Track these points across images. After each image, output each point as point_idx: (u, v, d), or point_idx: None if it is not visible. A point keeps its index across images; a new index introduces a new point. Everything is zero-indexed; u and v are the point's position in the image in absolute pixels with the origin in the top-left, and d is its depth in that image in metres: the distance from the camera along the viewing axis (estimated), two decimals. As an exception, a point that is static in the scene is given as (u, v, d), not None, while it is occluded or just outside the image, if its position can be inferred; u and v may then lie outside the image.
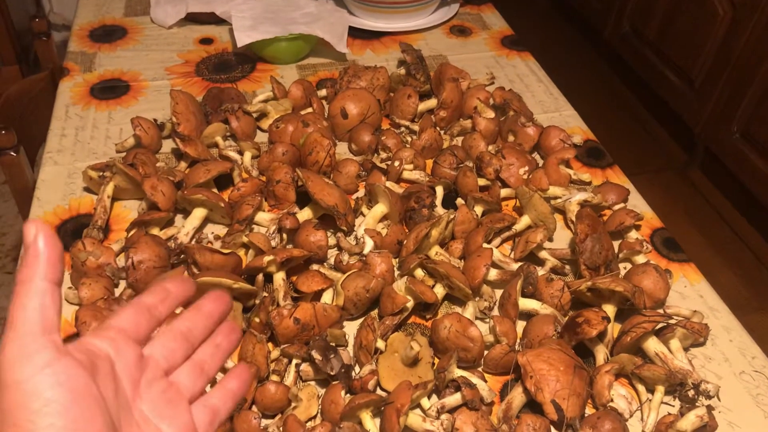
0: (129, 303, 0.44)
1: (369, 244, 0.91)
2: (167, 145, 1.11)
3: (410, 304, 0.84)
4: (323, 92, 1.23)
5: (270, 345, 0.81)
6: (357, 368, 0.80)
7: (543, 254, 0.94)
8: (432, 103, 1.19)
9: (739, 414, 0.79)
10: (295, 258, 0.86)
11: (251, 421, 0.71)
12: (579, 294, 0.86)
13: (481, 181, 1.03)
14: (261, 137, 1.15)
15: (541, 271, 0.89)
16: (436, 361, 0.81)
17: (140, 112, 1.16)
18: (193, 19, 1.45)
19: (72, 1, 1.56)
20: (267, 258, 0.84)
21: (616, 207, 1.02)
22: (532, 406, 0.76)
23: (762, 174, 2.02)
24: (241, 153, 1.08)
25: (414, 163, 1.04)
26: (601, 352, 0.81)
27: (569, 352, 0.78)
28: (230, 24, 1.34)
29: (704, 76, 2.24)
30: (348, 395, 0.76)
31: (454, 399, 0.74)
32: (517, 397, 0.76)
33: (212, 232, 0.95)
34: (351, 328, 0.85)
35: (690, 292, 0.94)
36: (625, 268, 0.94)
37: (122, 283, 0.88)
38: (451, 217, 0.93)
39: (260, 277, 0.87)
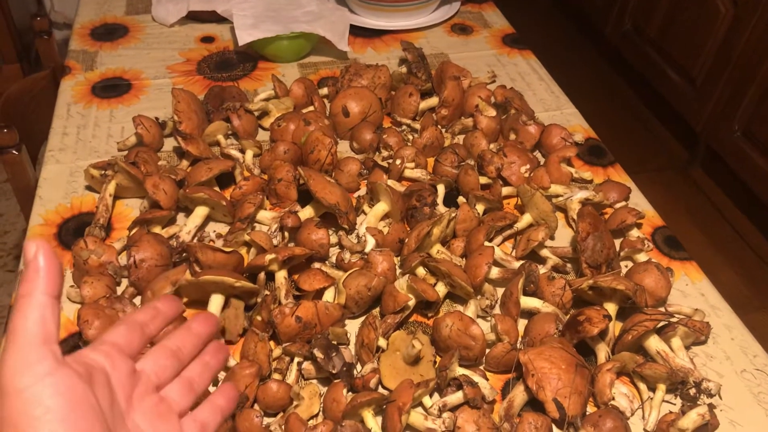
0: (122, 320, 0.47)
1: (370, 243, 0.91)
2: (169, 144, 1.11)
3: (412, 302, 0.84)
4: (324, 91, 1.23)
5: (272, 343, 0.81)
6: (359, 366, 0.80)
7: (544, 252, 0.94)
8: (433, 101, 1.19)
9: (741, 412, 0.79)
10: (297, 256, 0.86)
11: (253, 420, 0.71)
12: (580, 292, 0.86)
13: (483, 180, 1.03)
14: (263, 136, 1.15)
15: (542, 270, 0.89)
16: (438, 359, 0.81)
17: (142, 110, 1.16)
18: (194, 17, 1.45)
19: (73, -1, 1.56)
20: (269, 256, 0.84)
21: (618, 205, 1.02)
22: (534, 404, 0.77)
23: (763, 172, 2.01)
24: (242, 151, 1.08)
25: (415, 162, 1.04)
26: (602, 351, 0.82)
27: (571, 350, 0.78)
28: (231, 22, 1.34)
29: (705, 74, 2.24)
30: (350, 393, 0.76)
31: (455, 397, 0.75)
32: (518, 395, 0.76)
33: (214, 231, 0.95)
34: (353, 326, 0.85)
35: (691, 290, 0.94)
36: (626, 266, 0.94)
37: (124, 282, 0.88)
38: (453, 215, 0.93)
39: (262, 275, 0.87)
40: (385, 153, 1.07)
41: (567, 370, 0.75)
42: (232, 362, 0.78)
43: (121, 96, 1.23)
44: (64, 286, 0.80)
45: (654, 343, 0.81)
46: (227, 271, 0.82)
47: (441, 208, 0.99)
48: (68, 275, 0.90)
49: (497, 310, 0.88)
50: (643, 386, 0.80)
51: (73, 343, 0.81)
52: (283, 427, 0.72)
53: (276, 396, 0.74)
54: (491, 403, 0.77)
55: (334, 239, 0.94)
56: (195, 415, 0.48)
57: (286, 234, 0.94)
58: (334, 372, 0.76)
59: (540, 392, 0.74)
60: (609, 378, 0.76)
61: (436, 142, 1.10)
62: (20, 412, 0.37)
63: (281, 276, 0.86)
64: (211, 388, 0.52)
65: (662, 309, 0.89)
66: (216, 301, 0.82)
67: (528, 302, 0.86)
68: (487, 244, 0.91)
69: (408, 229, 0.96)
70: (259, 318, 0.82)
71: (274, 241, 0.92)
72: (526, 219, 0.97)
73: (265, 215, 0.96)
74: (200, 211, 0.95)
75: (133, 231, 0.93)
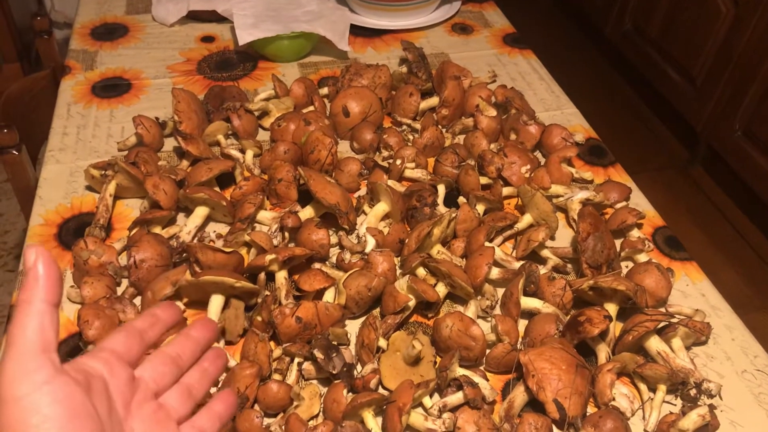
0: (121, 327, 0.47)
1: (371, 243, 0.91)
2: (169, 144, 1.11)
3: (412, 302, 0.84)
4: (325, 90, 1.23)
5: (272, 344, 0.81)
6: (359, 367, 0.80)
7: (545, 253, 0.94)
8: (434, 101, 1.19)
9: (741, 413, 0.79)
10: (297, 257, 0.86)
11: (253, 420, 0.71)
12: (581, 293, 0.86)
13: (483, 180, 1.03)
14: (263, 135, 1.15)
15: (543, 270, 0.89)
16: (438, 359, 0.81)
17: (142, 110, 1.16)
18: (194, 17, 1.45)
19: (73, -1, 1.56)
20: (269, 257, 0.84)
21: (618, 205, 1.02)
22: (534, 405, 0.76)
23: (764, 172, 2.01)
24: (242, 151, 1.08)
25: (416, 162, 1.04)
26: (603, 351, 0.81)
27: (571, 351, 0.78)
28: (232, 22, 1.34)
29: (706, 74, 2.23)
30: (350, 394, 0.76)
31: (456, 398, 0.74)
32: (518, 396, 0.76)
33: (214, 231, 0.95)
34: (353, 326, 0.85)
35: (692, 290, 0.94)
36: (626, 266, 0.94)
37: (124, 282, 0.88)
38: (453, 215, 0.93)
39: (262, 275, 0.87)
40: (385, 153, 1.07)
41: (567, 370, 0.75)
42: (232, 363, 0.78)
43: (121, 96, 1.23)
44: (64, 287, 0.80)
45: (654, 343, 0.80)
46: (227, 272, 0.82)
47: (441, 209, 0.99)
48: (68, 275, 0.89)
49: (497, 311, 0.88)
50: (643, 387, 0.79)
51: (73, 343, 0.81)
52: (283, 427, 0.72)
53: (276, 396, 0.74)
54: (491, 404, 0.77)
55: (334, 239, 0.94)
56: (194, 422, 0.48)
57: (287, 234, 0.94)
58: (334, 372, 0.75)
59: (540, 393, 0.74)
60: (609, 378, 0.76)
61: (437, 142, 1.10)
62: (18, 421, 0.37)
63: (281, 276, 0.86)
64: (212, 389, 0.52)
65: (663, 309, 0.89)
66: (216, 302, 0.82)
67: (528, 303, 0.86)
68: (487, 244, 0.91)
69: (408, 229, 0.96)
70: (259, 318, 0.82)
71: (275, 242, 0.92)
72: (526, 219, 0.97)
73: (265, 215, 0.96)
74: (200, 212, 0.95)
75: (134, 231, 0.93)
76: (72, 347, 0.81)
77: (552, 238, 0.97)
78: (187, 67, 1.32)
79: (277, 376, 0.78)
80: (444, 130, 1.14)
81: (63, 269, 0.90)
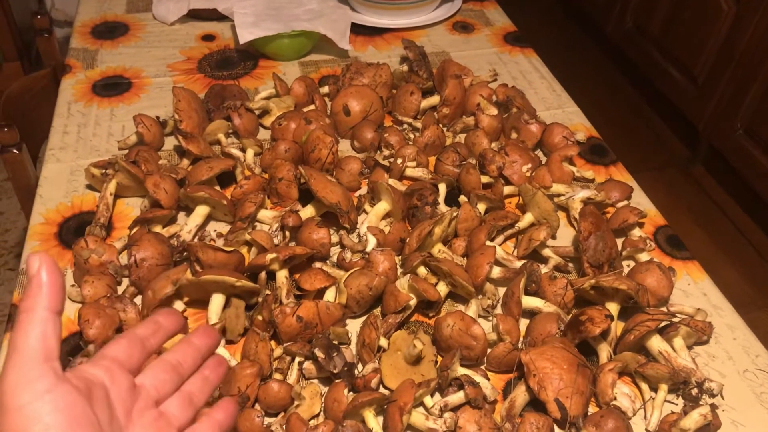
0: (122, 335, 0.47)
1: (372, 242, 0.91)
2: (169, 143, 1.11)
3: (413, 302, 0.84)
4: (326, 89, 1.23)
5: (273, 343, 0.81)
6: (360, 366, 0.80)
7: (546, 252, 0.93)
8: (435, 100, 1.19)
9: (743, 412, 0.79)
10: (298, 256, 0.86)
11: (254, 420, 0.71)
12: (582, 292, 0.86)
13: (484, 179, 1.02)
14: (263, 134, 1.15)
15: (544, 269, 0.89)
16: (439, 359, 0.81)
17: (142, 109, 1.16)
18: (195, 15, 1.45)
19: (74, -3, 1.56)
20: (270, 256, 0.84)
21: (620, 204, 1.02)
22: (535, 404, 0.76)
23: (765, 170, 2.01)
24: (243, 150, 1.08)
25: (417, 161, 1.04)
26: (604, 351, 0.81)
27: (572, 350, 0.78)
28: (232, 20, 1.34)
29: (708, 72, 2.23)
30: (351, 393, 0.76)
31: (457, 397, 0.74)
32: (520, 395, 0.76)
33: (215, 230, 0.95)
34: (354, 326, 0.85)
35: (693, 289, 0.94)
36: (628, 265, 0.94)
37: (125, 281, 0.88)
38: (454, 214, 0.93)
39: (263, 274, 0.87)
40: (386, 152, 1.07)
41: (569, 370, 0.74)
42: (233, 362, 0.78)
43: (121, 94, 1.23)
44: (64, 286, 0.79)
45: (656, 343, 0.80)
46: (228, 271, 0.82)
47: (442, 208, 0.99)
48: (69, 274, 0.89)
49: (499, 310, 0.88)
50: (645, 386, 0.79)
51: (73, 342, 0.81)
52: (284, 427, 0.72)
53: (277, 396, 0.74)
54: (493, 403, 0.77)
55: (335, 238, 0.94)
56: (194, 430, 0.48)
57: (287, 233, 0.94)
58: (335, 372, 0.75)
59: (542, 392, 0.74)
60: (611, 378, 0.76)
61: (438, 140, 1.09)
62: (20, 429, 0.37)
63: (282, 275, 0.86)
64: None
65: (664, 309, 0.89)
66: (217, 301, 0.82)
67: (530, 302, 0.85)
68: (488, 243, 0.90)
69: (409, 228, 0.96)
70: (260, 317, 0.81)
71: (275, 241, 0.92)
72: (527, 218, 0.97)
73: (266, 214, 0.96)
74: (201, 210, 0.95)
75: (134, 230, 0.93)
76: (72, 346, 0.80)
77: (553, 237, 0.97)
78: (187, 65, 1.32)
79: (277, 376, 0.78)
80: (445, 129, 1.14)
81: (63, 268, 0.90)
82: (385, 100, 1.18)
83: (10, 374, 0.38)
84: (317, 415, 0.76)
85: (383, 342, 0.81)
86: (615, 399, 0.76)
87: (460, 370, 0.77)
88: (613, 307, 0.84)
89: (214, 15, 1.43)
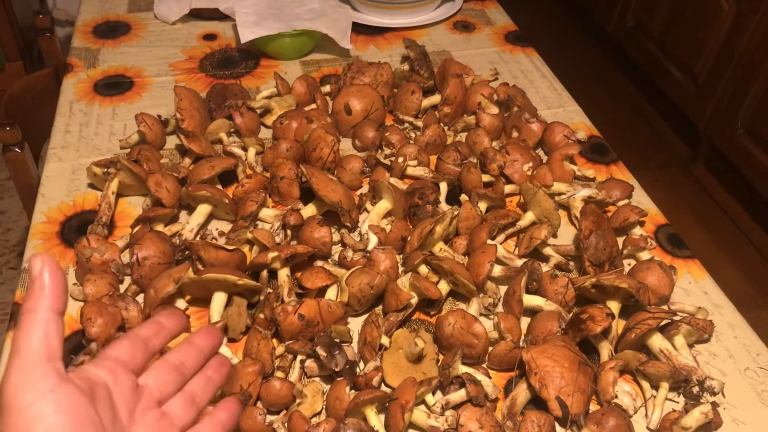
0: (125, 335, 0.47)
1: (373, 241, 0.91)
2: (171, 142, 1.11)
3: (414, 300, 0.84)
4: (327, 88, 1.23)
5: (275, 341, 0.81)
6: (361, 364, 0.80)
7: (547, 250, 0.94)
8: (436, 99, 1.19)
9: (744, 411, 0.79)
10: (300, 254, 0.86)
11: (256, 418, 0.71)
12: (583, 290, 0.86)
13: (485, 178, 1.03)
14: (265, 133, 1.15)
15: (545, 268, 0.89)
16: (441, 357, 0.81)
17: (144, 108, 1.16)
18: (196, 15, 1.45)
19: (75, -3, 1.56)
20: (271, 254, 0.84)
21: (621, 203, 1.02)
22: (537, 402, 0.77)
23: (766, 170, 2.01)
24: (245, 149, 1.08)
25: (418, 159, 1.04)
26: (605, 349, 0.81)
27: (574, 348, 0.78)
28: (234, 20, 1.34)
29: (708, 71, 2.23)
30: (353, 391, 0.76)
31: (458, 395, 0.75)
32: (521, 393, 0.76)
33: (216, 229, 0.95)
34: (355, 324, 0.85)
35: (694, 288, 0.94)
36: (629, 264, 0.94)
37: (127, 280, 0.88)
38: (455, 213, 0.93)
39: (265, 273, 0.87)
40: (387, 151, 1.07)
41: (570, 368, 0.75)
42: (235, 360, 0.78)
43: (123, 93, 1.23)
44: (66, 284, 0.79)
45: (657, 341, 0.80)
46: (230, 269, 0.83)
47: (443, 206, 0.99)
48: (71, 273, 0.90)
49: (500, 308, 0.88)
50: (646, 384, 0.79)
51: (75, 341, 0.81)
52: (286, 425, 0.73)
53: (279, 394, 0.74)
54: (494, 401, 0.77)
55: (336, 237, 0.94)
56: (197, 431, 0.48)
57: (289, 232, 0.94)
58: (336, 370, 0.76)
59: (543, 390, 0.74)
60: (612, 376, 0.76)
61: (439, 139, 1.10)
62: (23, 429, 0.37)
63: (284, 274, 0.86)
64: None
65: (665, 307, 0.89)
66: (219, 299, 0.82)
67: (531, 300, 0.86)
68: (489, 242, 0.91)
69: (410, 227, 0.96)
70: (261, 316, 0.82)
71: (277, 239, 0.92)
72: (528, 217, 0.97)
73: (267, 213, 0.96)
74: (203, 209, 0.95)
75: (136, 229, 0.93)
76: (75, 344, 0.81)
77: (554, 235, 0.97)
78: (189, 65, 1.32)
79: (279, 374, 0.78)
80: (446, 128, 1.14)
81: (65, 267, 0.90)
82: (386, 99, 1.18)
83: (13, 374, 0.39)
84: (319, 413, 0.76)
85: (385, 340, 0.81)
86: (616, 397, 0.76)
87: (462, 368, 0.77)
88: (614, 306, 0.84)
89: (215, 14, 1.43)
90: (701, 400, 0.78)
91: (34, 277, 0.40)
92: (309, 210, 0.97)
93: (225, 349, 0.80)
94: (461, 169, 1.03)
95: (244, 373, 0.74)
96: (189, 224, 0.93)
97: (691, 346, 0.84)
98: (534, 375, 0.75)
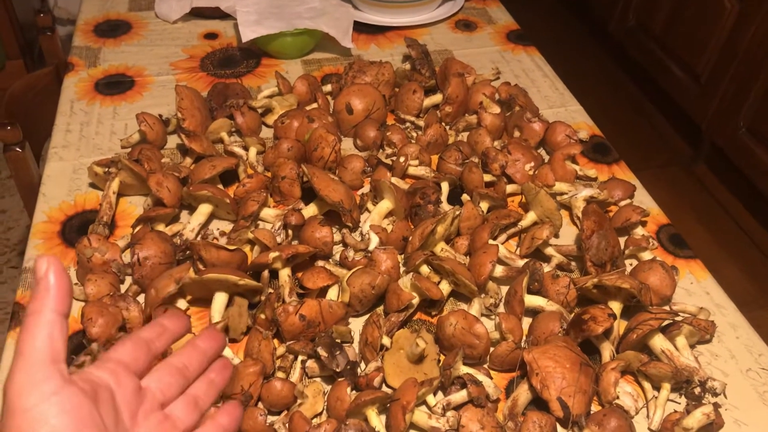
0: (128, 337, 0.47)
1: (374, 241, 0.91)
2: (172, 141, 1.11)
3: (416, 300, 0.84)
4: (328, 87, 1.23)
5: (276, 341, 0.81)
6: (362, 365, 0.80)
7: (549, 251, 0.93)
8: (437, 98, 1.19)
9: (746, 411, 0.79)
10: (301, 254, 0.86)
11: (257, 418, 0.71)
12: (585, 291, 0.86)
13: (487, 177, 1.02)
14: (266, 133, 1.15)
15: (547, 268, 0.89)
16: (442, 358, 0.81)
17: (145, 107, 1.16)
18: (197, 14, 1.45)
19: (76, -5, 1.56)
20: (272, 254, 0.84)
21: (622, 203, 1.01)
22: (538, 403, 0.76)
23: (768, 169, 2.01)
24: (246, 149, 1.08)
25: (419, 159, 1.04)
26: (607, 350, 0.81)
27: (575, 349, 0.78)
28: (235, 19, 1.34)
29: (710, 70, 2.23)
30: (354, 392, 0.76)
31: (459, 396, 0.74)
32: (522, 394, 0.76)
33: (218, 228, 0.95)
34: (356, 324, 0.85)
35: (696, 288, 0.94)
36: (631, 264, 0.94)
37: (128, 279, 0.88)
38: (457, 213, 0.93)
39: (266, 273, 0.87)
40: (388, 150, 1.07)
41: (571, 368, 0.74)
42: (236, 360, 0.78)
43: (124, 93, 1.23)
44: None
45: (659, 341, 0.80)
46: (231, 269, 0.82)
47: (445, 206, 0.99)
48: (72, 273, 0.89)
49: (501, 309, 0.88)
50: (647, 385, 0.79)
51: (76, 340, 0.81)
52: (287, 425, 0.72)
53: (280, 394, 0.74)
54: (495, 402, 0.77)
55: (337, 237, 0.94)
56: None
57: (290, 232, 0.94)
58: (338, 370, 0.75)
59: (544, 391, 0.74)
60: (613, 377, 0.76)
61: (440, 139, 1.09)
62: (26, 431, 0.38)
63: (285, 274, 0.86)
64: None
65: (667, 307, 0.88)
66: (220, 299, 0.82)
67: (532, 301, 0.85)
68: (491, 242, 0.90)
69: (412, 227, 0.96)
70: (262, 316, 0.82)
71: (278, 239, 0.92)
72: (530, 217, 0.97)
73: (268, 213, 0.96)
74: (204, 209, 0.95)
75: (137, 229, 0.93)
76: (75, 344, 0.81)
77: (556, 235, 0.97)
78: (190, 64, 1.32)
79: (280, 374, 0.78)
80: (447, 128, 1.14)
81: (66, 266, 0.90)
82: (387, 98, 1.18)
83: (16, 376, 0.39)
84: (320, 414, 0.76)
85: (386, 341, 0.81)
86: (618, 398, 0.76)
87: (463, 369, 0.77)
88: (615, 306, 0.84)
89: (216, 13, 1.43)
90: (703, 401, 0.78)
91: (39, 278, 0.40)
92: (310, 210, 0.97)
93: (226, 350, 0.80)
94: (463, 168, 1.02)
95: (245, 374, 0.74)
96: (190, 224, 0.93)
97: (692, 346, 0.84)
98: (535, 376, 0.74)
